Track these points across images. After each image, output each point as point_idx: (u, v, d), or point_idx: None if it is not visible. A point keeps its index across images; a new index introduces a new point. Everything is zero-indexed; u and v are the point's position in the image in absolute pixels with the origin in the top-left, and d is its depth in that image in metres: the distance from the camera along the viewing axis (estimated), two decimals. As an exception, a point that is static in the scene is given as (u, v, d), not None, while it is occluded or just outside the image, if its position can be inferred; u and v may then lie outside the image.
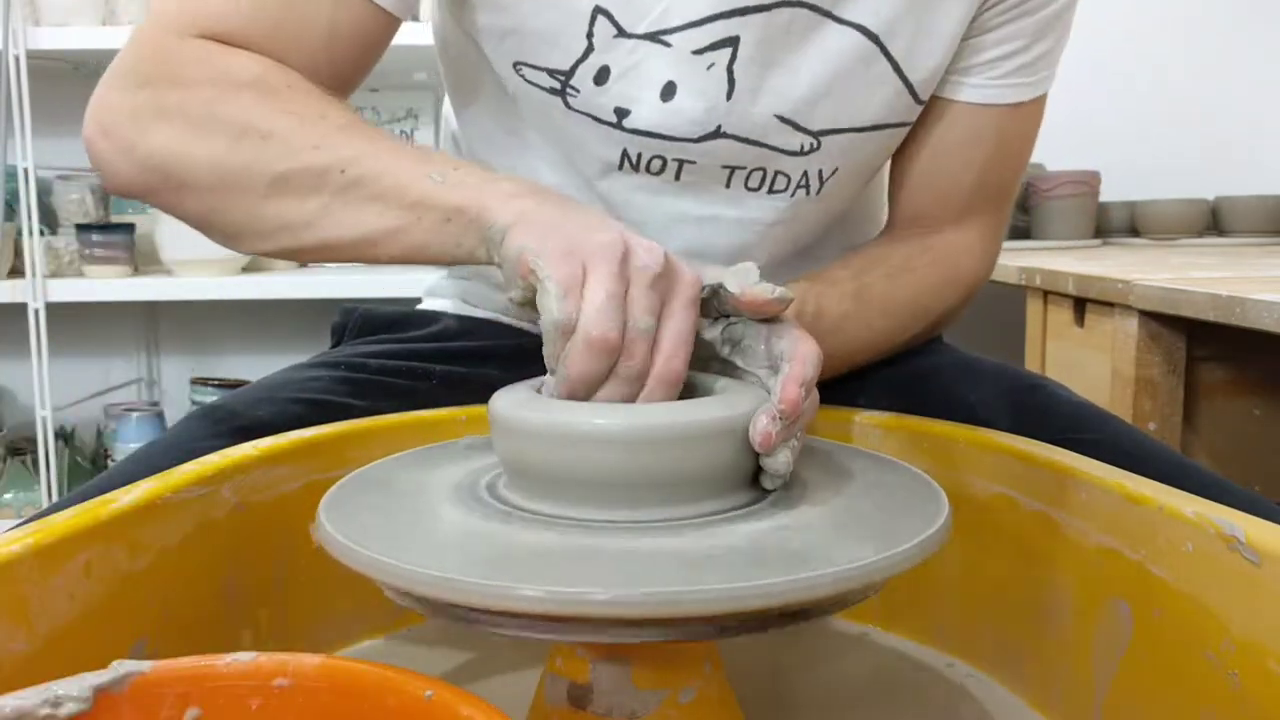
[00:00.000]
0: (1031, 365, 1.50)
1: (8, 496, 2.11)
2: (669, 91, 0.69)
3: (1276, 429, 1.31)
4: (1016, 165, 0.82)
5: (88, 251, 2.03)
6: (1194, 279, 1.19)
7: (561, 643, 0.48)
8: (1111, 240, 2.14)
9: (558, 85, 0.69)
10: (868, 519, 0.47)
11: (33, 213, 1.96)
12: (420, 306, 0.94)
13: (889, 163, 0.82)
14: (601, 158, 0.73)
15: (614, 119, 0.70)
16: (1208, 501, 0.47)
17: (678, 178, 0.73)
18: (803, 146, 0.72)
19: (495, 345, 0.84)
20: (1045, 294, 1.47)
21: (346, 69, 0.67)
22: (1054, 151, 2.19)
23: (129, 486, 0.53)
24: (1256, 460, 1.30)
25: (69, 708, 0.34)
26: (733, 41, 0.68)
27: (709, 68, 0.68)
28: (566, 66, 0.68)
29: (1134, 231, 2.15)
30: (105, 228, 2.06)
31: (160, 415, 2.20)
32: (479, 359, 0.82)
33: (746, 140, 0.71)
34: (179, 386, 2.40)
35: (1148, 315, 1.20)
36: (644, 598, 0.39)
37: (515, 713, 0.34)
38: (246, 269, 2.10)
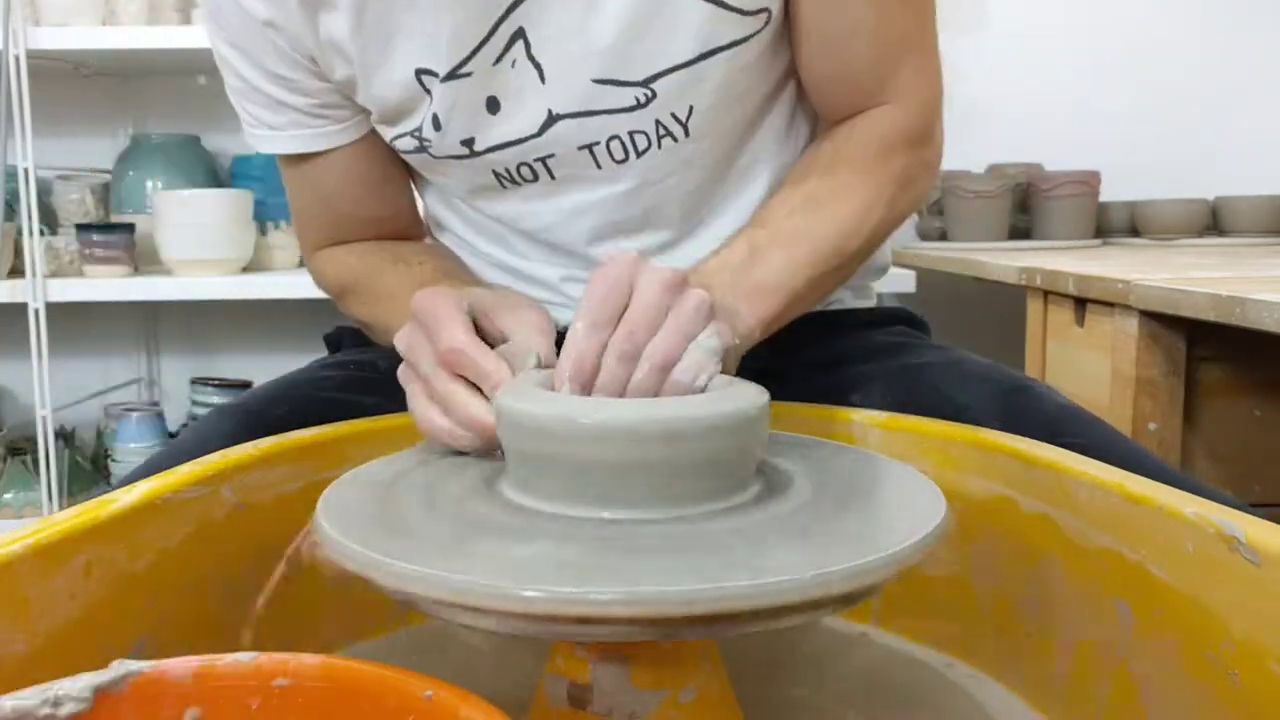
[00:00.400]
0: (1032, 365, 1.50)
1: (8, 496, 2.11)
2: (493, 106, 0.74)
3: (1276, 429, 1.31)
4: (911, 6, 0.76)
5: (88, 251, 2.03)
6: (1194, 279, 1.19)
7: (561, 642, 0.48)
8: (1112, 240, 2.14)
9: (417, 143, 0.77)
10: (867, 519, 0.47)
11: (33, 213, 1.95)
12: None
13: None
14: (482, 186, 0.79)
15: (466, 151, 0.76)
16: (1208, 502, 0.47)
17: (552, 176, 0.77)
18: (637, 99, 0.73)
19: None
20: (1045, 294, 1.47)
21: (383, 191, 0.86)
22: (1054, 151, 2.20)
23: (128, 486, 0.53)
24: (1256, 460, 1.30)
25: (69, 708, 0.34)
26: (519, 34, 0.71)
27: (513, 65, 0.72)
28: (417, 125, 0.76)
29: (1134, 231, 2.15)
30: (105, 228, 2.06)
31: (160, 415, 2.20)
32: None
33: (580, 114, 0.73)
34: (179, 386, 2.40)
35: (1148, 315, 1.20)
36: (644, 597, 0.39)
37: (515, 713, 0.34)
38: (247, 269, 2.10)
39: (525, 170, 0.77)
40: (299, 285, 2.02)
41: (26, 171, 1.94)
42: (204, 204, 2.01)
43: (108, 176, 2.24)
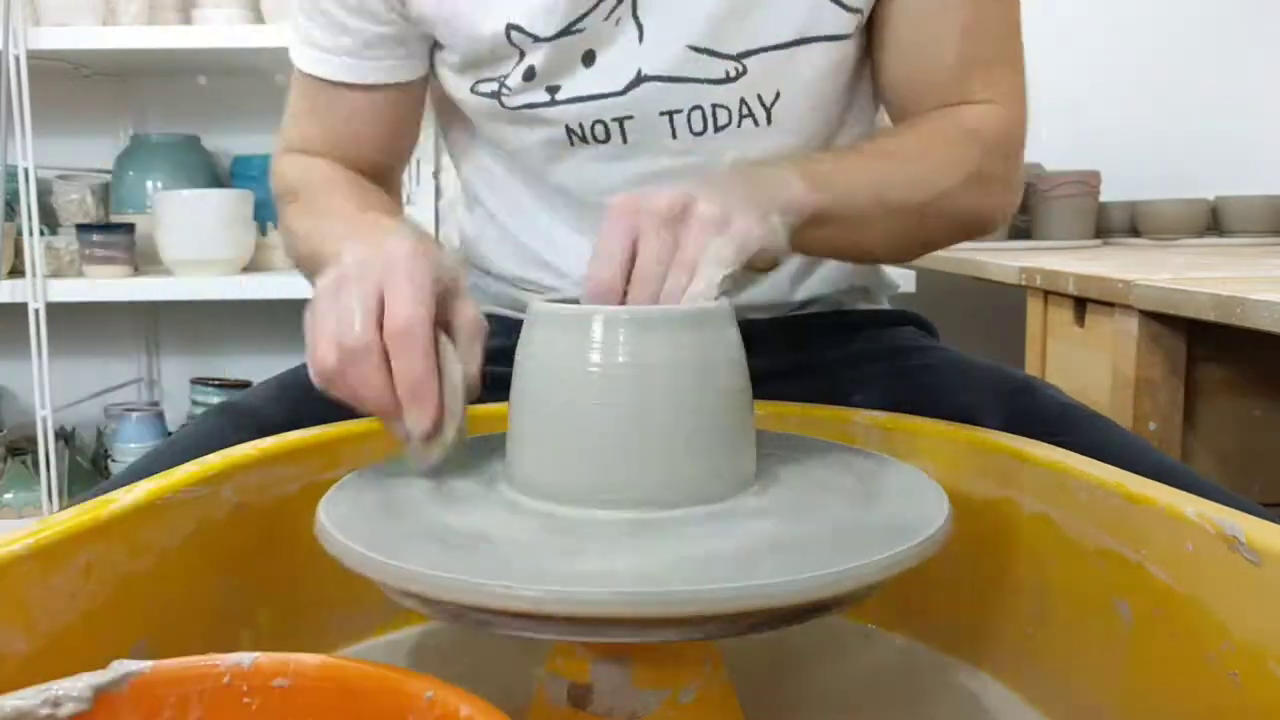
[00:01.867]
0: (1032, 365, 1.50)
1: (8, 496, 2.11)
2: (589, 59, 0.74)
3: (1276, 429, 1.31)
4: (1003, 17, 0.76)
5: (88, 251, 2.03)
6: (1194, 279, 1.19)
7: (561, 642, 0.48)
8: (1112, 240, 2.14)
9: (493, 90, 0.76)
10: (868, 519, 0.47)
11: (33, 213, 1.95)
12: None
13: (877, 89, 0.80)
14: (548, 140, 0.78)
15: (547, 98, 0.75)
16: (1208, 502, 0.47)
17: (624, 140, 0.76)
18: (728, 73, 0.73)
19: (498, 344, 0.84)
20: (1045, 294, 1.46)
21: (386, 146, 0.85)
22: (1054, 151, 2.19)
23: (129, 486, 0.53)
24: (1257, 460, 1.30)
25: (69, 708, 0.34)
26: None
27: (617, 23, 0.72)
28: (506, 75, 0.75)
29: (1134, 231, 2.15)
30: (105, 228, 2.06)
31: (160, 415, 2.20)
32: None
33: (668, 79, 0.73)
34: (179, 386, 2.40)
35: (1148, 315, 1.20)
36: (644, 598, 0.39)
37: (515, 713, 0.34)
38: (246, 269, 2.10)
39: (599, 129, 0.76)
40: (299, 285, 2.00)
41: (26, 171, 1.94)
42: (204, 204, 2.00)
43: (108, 176, 2.24)
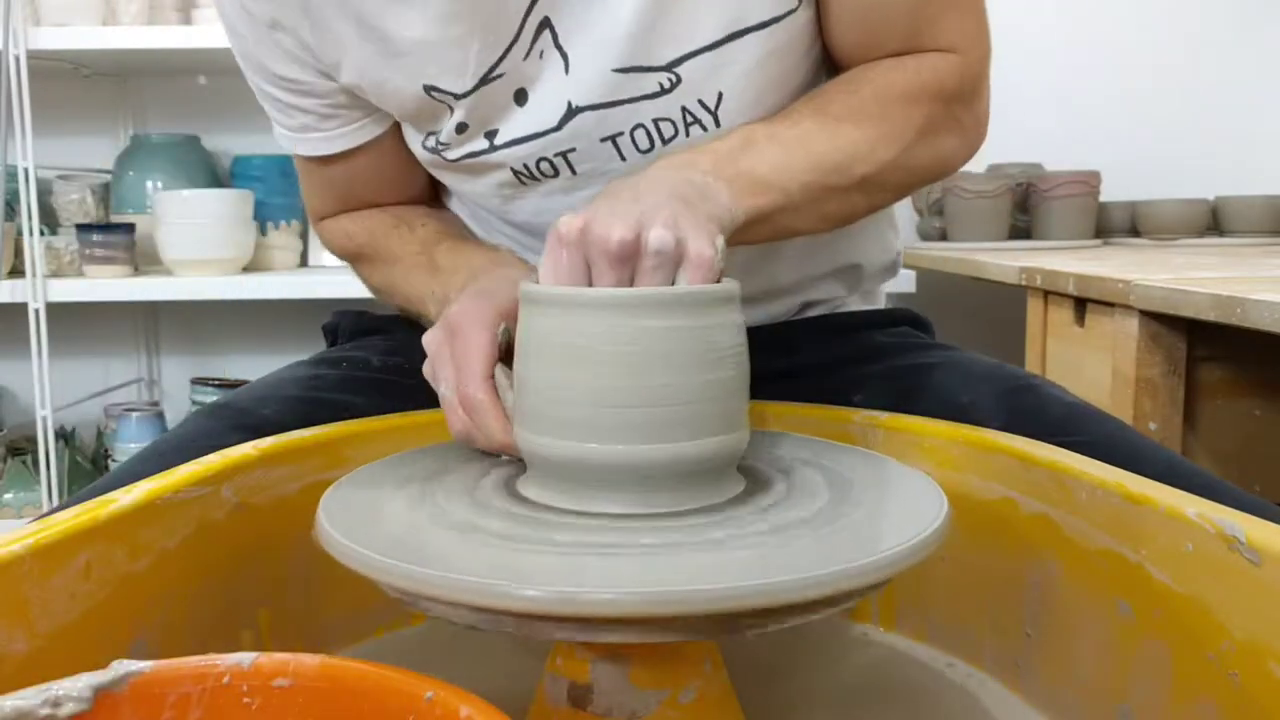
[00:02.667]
0: (1032, 365, 1.50)
1: (8, 496, 2.11)
2: (521, 98, 0.73)
3: (1277, 429, 1.31)
4: None
5: (88, 251, 2.03)
6: (1194, 279, 1.19)
7: (562, 642, 0.48)
8: (1112, 240, 2.14)
9: (434, 144, 0.76)
10: (867, 518, 0.47)
11: (33, 213, 1.95)
12: None
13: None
14: (501, 183, 0.77)
15: (486, 144, 0.74)
16: (1208, 502, 0.47)
17: (574, 171, 0.75)
18: (661, 85, 0.70)
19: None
20: (1045, 294, 1.46)
21: (405, 181, 0.86)
22: (1054, 151, 2.20)
23: (129, 486, 0.53)
24: (1257, 460, 1.30)
25: (69, 708, 0.34)
26: (545, 23, 0.69)
27: (541, 56, 0.71)
28: (439, 130, 0.75)
29: (1134, 231, 2.15)
30: (105, 228, 2.06)
31: (160, 415, 2.20)
32: None
33: (603, 105, 0.71)
34: (179, 386, 2.40)
35: (1148, 315, 1.20)
36: (644, 598, 0.39)
37: (515, 713, 0.34)
38: (247, 269, 2.10)
39: (545, 166, 0.75)
40: (299, 285, 2.02)
41: (26, 171, 1.94)
42: (204, 204, 2.01)
43: (108, 176, 2.24)
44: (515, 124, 0.73)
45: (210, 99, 2.31)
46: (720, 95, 0.71)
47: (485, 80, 0.71)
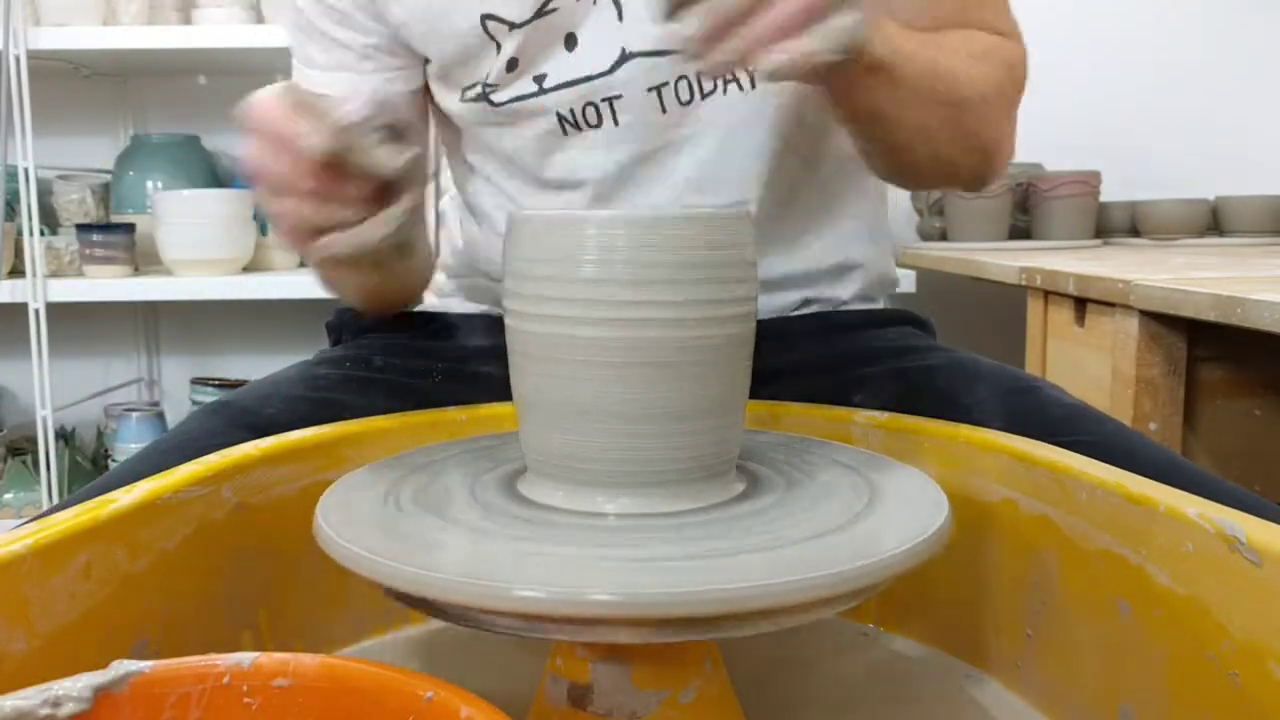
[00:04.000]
0: (1032, 365, 1.50)
1: (8, 496, 2.11)
2: (571, 42, 0.74)
3: (1277, 429, 1.31)
4: None
5: (88, 251, 2.03)
6: (1194, 279, 1.19)
7: (561, 642, 0.48)
8: (1112, 240, 2.14)
9: (479, 93, 0.77)
10: (867, 519, 0.47)
11: (33, 213, 1.95)
12: (420, 308, 0.94)
13: None
14: (544, 133, 0.78)
15: (535, 88, 0.75)
16: (1209, 502, 0.47)
17: (615, 123, 0.76)
18: None
19: (497, 343, 0.84)
20: (1046, 294, 1.46)
21: None
22: (1054, 151, 2.20)
23: (129, 486, 0.53)
24: (1257, 460, 1.30)
25: (69, 708, 0.34)
26: None
27: (595, 2, 0.73)
28: (488, 72, 0.76)
29: (1134, 231, 2.15)
30: (105, 228, 2.06)
31: (160, 415, 2.20)
32: (482, 356, 0.82)
33: (654, 52, 0.73)
34: (179, 386, 2.40)
35: (1148, 315, 1.20)
36: (644, 598, 0.39)
37: (515, 713, 0.34)
38: (247, 269, 2.10)
39: (591, 113, 0.76)
40: (299, 285, 2.02)
41: (26, 171, 1.94)
42: (204, 204, 2.01)
43: (108, 176, 2.24)
44: (565, 67, 0.75)
45: (210, 99, 2.31)
46: None
47: (541, 12, 0.72)
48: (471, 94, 0.78)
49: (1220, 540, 0.44)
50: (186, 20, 2.07)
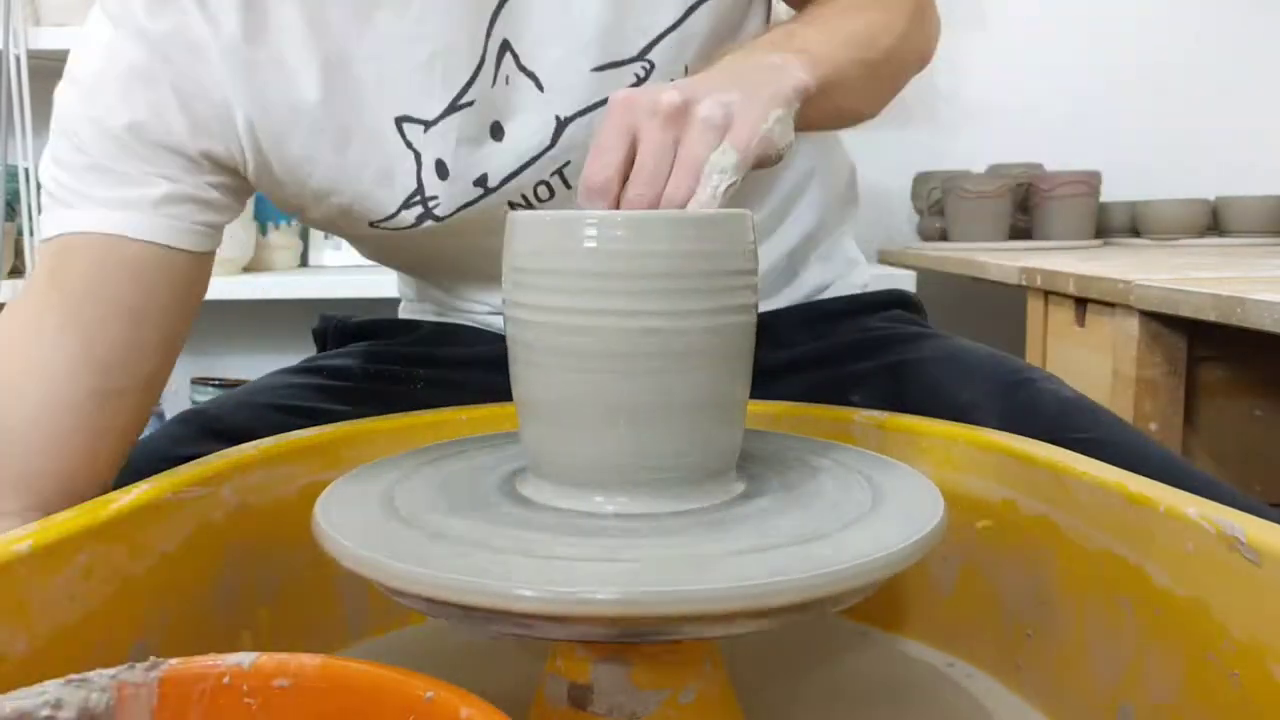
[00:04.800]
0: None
1: (8, 496, 2.11)
2: (497, 132, 0.71)
3: (1277, 429, 1.31)
4: None
5: (88, 251, 2.03)
6: (1195, 279, 1.19)
7: (561, 642, 0.48)
8: (1112, 240, 2.14)
9: (421, 210, 0.71)
10: (863, 519, 0.47)
11: (33, 213, 1.95)
12: (400, 315, 0.94)
13: None
14: (497, 223, 0.73)
15: (480, 191, 0.71)
16: (1209, 501, 0.47)
17: (568, 185, 0.73)
18: (637, 75, 0.70)
19: (477, 351, 0.84)
20: (1046, 294, 1.46)
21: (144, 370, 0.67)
22: (1054, 151, 2.20)
23: (129, 487, 0.53)
24: (1257, 460, 1.30)
25: (69, 708, 0.34)
26: (505, 46, 0.68)
27: (507, 81, 0.69)
28: (414, 187, 0.70)
29: (1134, 231, 2.15)
30: (105, 228, 2.06)
31: (160, 415, 2.20)
32: (462, 364, 0.82)
33: (589, 108, 0.70)
34: (179, 386, 2.40)
35: (1148, 315, 1.20)
36: (644, 598, 0.39)
37: (515, 713, 0.34)
38: (247, 269, 2.10)
39: (542, 189, 0.73)
40: (299, 285, 2.02)
41: (27, 171, 1.94)
42: (204, 204, 2.00)
43: (108, 176, 2.24)
44: (503, 160, 0.71)
45: (210, 99, 2.31)
46: (685, 70, 0.71)
47: (456, 106, 0.69)
48: (411, 215, 0.71)
49: (1220, 540, 0.44)
50: (186, 20, 2.06)
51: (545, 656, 0.50)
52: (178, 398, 2.38)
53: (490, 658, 0.62)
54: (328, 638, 0.64)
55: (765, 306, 0.83)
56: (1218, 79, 2.30)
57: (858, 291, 0.91)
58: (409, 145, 0.69)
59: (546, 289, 0.47)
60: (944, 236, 2.13)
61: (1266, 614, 0.42)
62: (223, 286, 2.02)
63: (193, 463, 0.58)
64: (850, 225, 0.95)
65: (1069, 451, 0.56)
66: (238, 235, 2.03)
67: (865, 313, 0.87)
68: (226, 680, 0.36)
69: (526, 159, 0.71)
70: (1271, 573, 0.42)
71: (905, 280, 1.93)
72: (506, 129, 0.71)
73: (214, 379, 2.27)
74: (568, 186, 0.73)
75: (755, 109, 0.52)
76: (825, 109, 0.62)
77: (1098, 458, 0.55)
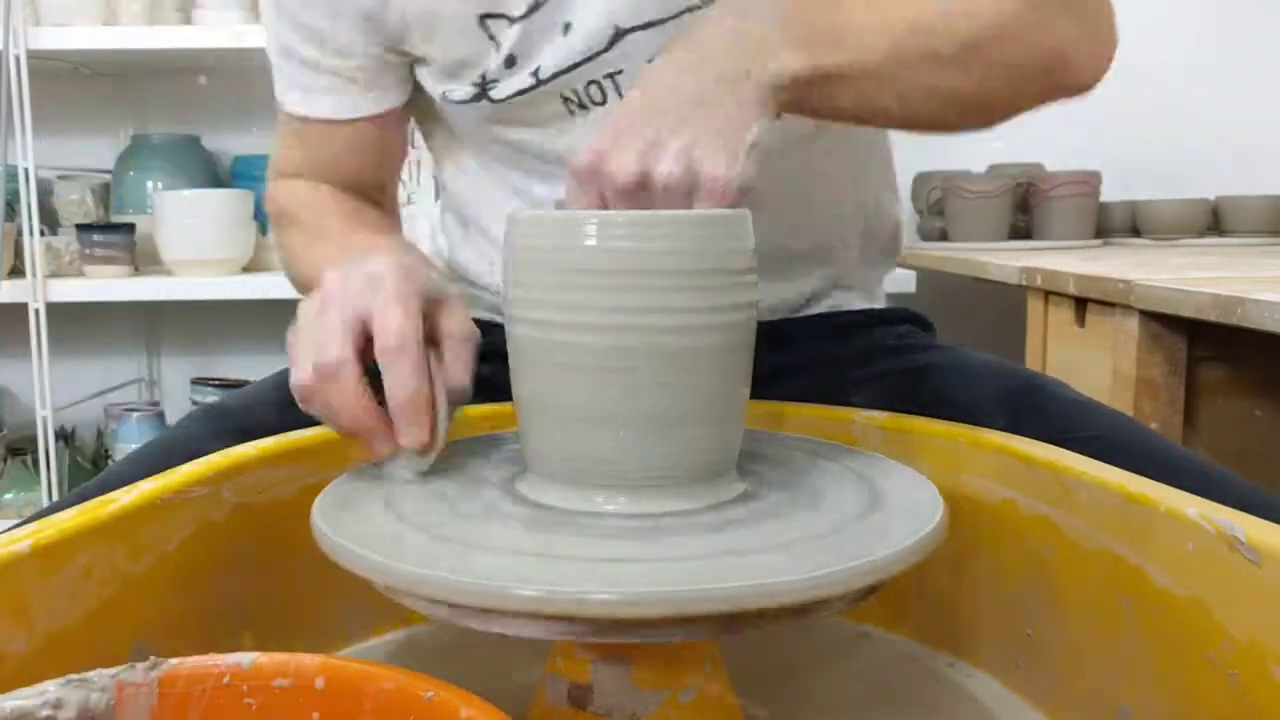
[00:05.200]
0: (1032, 365, 1.50)
1: (8, 496, 2.11)
2: (566, 29, 0.72)
3: (1277, 429, 1.31)
4: None
5: (88, 251, 2.03)
6: (1195, 279, 1.19)
7: (562, 642, 0.48)
8: (1112, 240, 2.14)
9: (477, 90, 0.75)
10: (865, 520, 0.47)
11: (33, 213, 1.95)
12: None
13: None
14: (548, 117, 0.75)
15: (532, 81, 0.73)
16: (1209, 502, 0.47)
17: (621, 96, 0.73)
18: None
19: (487, 343, 0.83)
20: (1046, 294, 1.46)
21: (375, 169, 0.86)
22: (1054, 151, 2.19)
23: (129, 487, 0.53)
24: (1257, 460, 1.30)
25: (69, 708, 0.34)
26: None
27: None
28: (482, 71, 0.74)
29: (1135, 231, 2.15)
30: (105, 228, 2.06)
31: (160, 415, 2.20)
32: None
33: (647, 25, 0.70)
34: (179, 386, 2.40)
35: (1148, 315, 1.20)
36: (644, 597, 0.39)
37: (515, 713, 0.34)
38: (247, 269, 2.10)
39: (594, 90, 0.73)
40: (299, 285, 2.02)
41: (27, 171, 1.94)
42: (204, 204, 2.00)
43: (108, 176, 2.24)
44: (560, 54, 0.72)
45: (210, 99, 2.31)
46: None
47: (537, 4, 0.70)
48: (467, 94, 0.76)
49: (1220, 540, 0.44)
50: (186, 20, 2.06)
51: (545, 656, 0.50)
52: (178, 398, 2.39)
53: (490, 658, 0.62)
54: (328, 638, 0.64)
55: (773, 316, 0.83)
56: (1218, 79, 2.30)
57: (871, 306, 0.91)
58: (490, 36, 0.72)
59: (546, 287, 0.47)
60: (944, 236, 2.13)
61: (1267, 614, 0.42)
62: (223, 286, 2.02)
63: (193, 463, 0.58)
64: (885, 273, 0.94)
65: (1069, 451, 0.56)
66: (238, 235, 2.04)
67: (876, 326, 0.87)
68: (226, 680, 0.36)
69: (580, 58, 0.72)
70: (1271, 573, 0.41)
71: (905, 280, 1.93)
72: (574, 26, 0.72)
73: (214, 379, 2.27)
74: (620, 97, 0.72)
75: (721, 151, 0.50)
76: (841, 102, 0.57)
77: (1112, 458, 0.54)
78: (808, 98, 0.55)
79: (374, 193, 0.87)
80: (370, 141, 0.83)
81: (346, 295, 0.53)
